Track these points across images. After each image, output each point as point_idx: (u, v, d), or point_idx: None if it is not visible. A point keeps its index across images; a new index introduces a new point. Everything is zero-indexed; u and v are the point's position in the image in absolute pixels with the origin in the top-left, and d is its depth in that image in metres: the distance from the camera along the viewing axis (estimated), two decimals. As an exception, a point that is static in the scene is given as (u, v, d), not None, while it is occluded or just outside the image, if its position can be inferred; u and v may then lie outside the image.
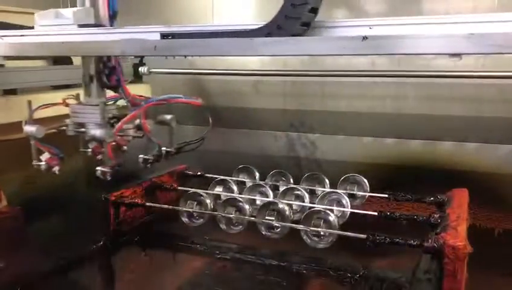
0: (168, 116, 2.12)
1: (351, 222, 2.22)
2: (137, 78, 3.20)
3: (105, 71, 2.00)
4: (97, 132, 1.93)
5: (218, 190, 2.37)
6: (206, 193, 2.20)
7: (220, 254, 2.25)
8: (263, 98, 3.15)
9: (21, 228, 2.38)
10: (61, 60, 2.96)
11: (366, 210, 2.29)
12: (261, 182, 2.38)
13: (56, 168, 2.03)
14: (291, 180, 2.43)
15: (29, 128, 1.96)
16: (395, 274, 1.98)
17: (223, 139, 3.28)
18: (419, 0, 2.65)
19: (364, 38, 1.22)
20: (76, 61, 3.00)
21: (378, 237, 1.85)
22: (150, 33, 1.63)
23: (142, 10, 3.34)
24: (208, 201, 2.16)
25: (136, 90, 3.12)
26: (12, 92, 2.73)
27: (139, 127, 2.02)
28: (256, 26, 1.42)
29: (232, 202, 2.09)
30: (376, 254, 2.11)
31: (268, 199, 2.18)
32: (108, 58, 1.99)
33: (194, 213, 2.16)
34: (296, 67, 2.91)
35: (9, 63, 2.73)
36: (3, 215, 2.36)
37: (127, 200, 2.38)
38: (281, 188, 2.30)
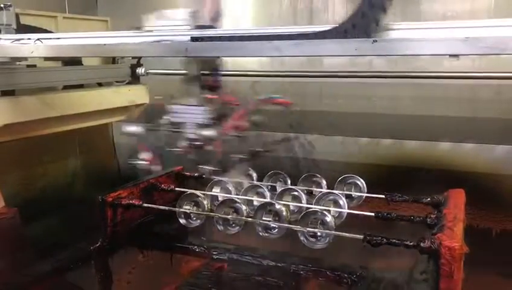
0: (260, 118, 2.15)
1: (348, 222, 2.23)
2: (135, 79, 3.19)
3: (209, 71, 2.03)
4: (206, 132, 1.96)
5: (216, 190, 2.37)
6: (204, 194, 2.20)
7: (217, 255, 2.26)
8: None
9: (18, 228, 2.38)
10: (72, 62, 2.98)
11: (363, 211, 2.30)
12: (258, 183, 2.38)
13: (158, 168, 2.10)
14: (289, 181, 2.44)
15: (131, 128, 2.02)
16: (392, 275, 1.98)
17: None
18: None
19: (374, 41, 1.38)
20: (86, 62, 3.03)
21: (374, 238, 1.86)
22: (181, 36, 1.73)
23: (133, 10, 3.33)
24: (205, 202, 2.16)
25: (133, 91, 3.15)
26: (10, 92, 2.73)
27: (237, 128, 2.04)
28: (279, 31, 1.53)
29: (229, 203, 2.09)
30: (373, 254, 2.12)
31: (265, 200, 2.18)
32: (212, 58, 2.01)
33: (191, 214, 2.16)
34: (293, 68, 2.92)
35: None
36: (0, 216, 2.36)
37: (124, 201, 2.38)
38: (278, 189, 2.30)
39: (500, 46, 1.22)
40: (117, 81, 3.17)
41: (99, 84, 3.11)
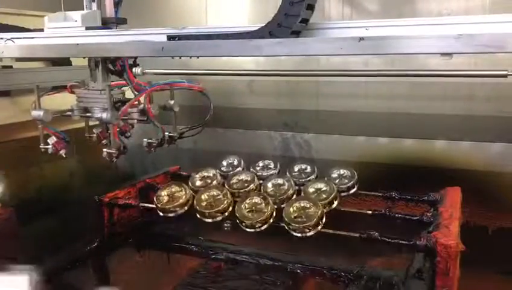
0: (172, 102, 2.18)
1: (345, 221, 2.23)
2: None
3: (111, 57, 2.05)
4: (103, 115, 1.97)
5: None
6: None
7: (214, 254, 2.26)
8: (257, 98, 3.16)
9: (14, 228, 2.38)
10: (60, 62, 2.96)
11: (360, 209, 2.30)
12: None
13: (63, 152, 2.09)
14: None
15: (36, 113, 2.00)
16: (389, 273, 1.98)
17: (217, 139, 3.28)
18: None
19: (361, 39, 1.27)
20: (76, 62, 3.01)
21: (370, 236, 1.86)
22: (157, 35, 1.69)
23: (135, 12, 3.33)
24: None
25: (130, 90, 3.13)
26: (5, 93, 2.72)
27: (143, 112, 2.06)
28: (256, 28, 1.47)
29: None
30: (370, 253, 2.12)
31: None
32: None
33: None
34: (290, 67, 2.92)
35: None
36: (-4, 216, 2.36)
37: (121, 201, 2.38)
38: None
39: (495, 43, 1.14)
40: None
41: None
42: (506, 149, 2.57)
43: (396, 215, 2.14)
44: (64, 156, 2.11)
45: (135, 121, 2.09)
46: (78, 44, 1.82)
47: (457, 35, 1.17)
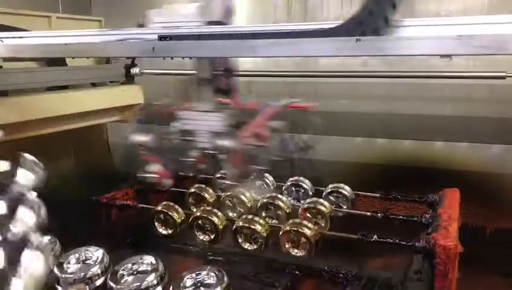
0: (279, 123, 1.90)
1: (344, 222, 2.23)
2: (129, 79, 3.18)
3: (221, 74, 1.81)
4: (223, 141, 1.71)
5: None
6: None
7: (212, 255, 2.25)
8: (256, 98, 3.14)
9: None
10: (55, 62, 2.94)
11: (359, 210, 2.30)
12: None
13: (167, 182, 1.82)
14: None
15: (139, 138, 1.79)
16: (388, 274, 1.98)
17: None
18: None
19: (358, 40, 1.24)
20: (70, 63, 3.00)
21: (369, 238, 1.86)
22: (148, 35, 1.62)
23: (128, 10, 3.32)
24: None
25: (128, 91, 3.13)
26: (3, 93, 2.70)
27: (257, 136, 1.79)
28: (259, 28, 1.42)
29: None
30: (368, 254, 2.12)
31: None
32: (224, 59, 1.80)
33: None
34: (288, 68, 2.91)
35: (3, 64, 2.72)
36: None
37: (119, 202, 2.37)
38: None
39: (496, 45, 1.11)
40: (111, 81, 3.15)
41: (93, 85, 3.09)
42: (504, 150, 2.57)
43: (395, 216, 2.14)
44: (166, 189, 1.88)
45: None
46: (66, 44, 1.74)
47: (457, 36, 1.15)
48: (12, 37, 1.90)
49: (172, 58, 1.75)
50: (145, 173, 1.79)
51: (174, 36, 1.57)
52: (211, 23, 1.64)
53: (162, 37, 1.58)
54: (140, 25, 1.79)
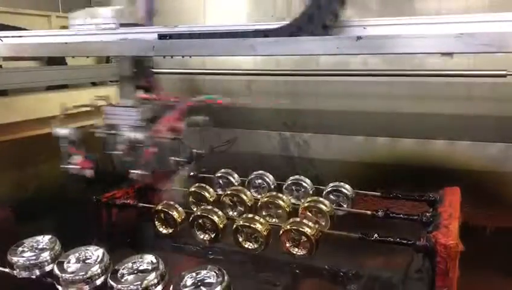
0: (200, 118, 2.09)
1: (345, 221, 2.23)
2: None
3: (140, 72, 1.99)
4: (136, 135, 1.90)
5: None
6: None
7: (212, 254, 2.25)
8: (256, 97, 3.14)
9: (11, 229, 2.36)
10: (55, 61, 2.95)
11: (359, 209, 2.30)
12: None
13: (89, 172, 2.00)
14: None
15: (61, 131, 1.94)
16: (388, 273, 1.98)
17: (216, 139, 3.26)
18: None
19: (359, 38, 1.25)
20: (70, 62, 3.00)
21: (370, 236, 1.86)
22: (148, 34, 1.64)
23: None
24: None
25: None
26: (3, 93, 2.71)
27: (172, 129, 1.98)
28: (255, 27, 1.44)
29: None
30: (369, 253, 2.12)
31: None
32: (143, 58, 1.97)
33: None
34: (289, 67, 2.91)
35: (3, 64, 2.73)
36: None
37: (119, 201, 2.37)
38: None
39: (496, 43, 1.12)
40: (111, 81, 3.15)
41: (93, 84, 3.09)
42: (505, 149, 2.56)
43: (396, 215, 2.14)
44: (89, 177, 2.00)
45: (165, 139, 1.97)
46: (67, 43, 1.77)
47: (458, 35, 1.15)
48: (12, 36, 1.91)
49: (172, 56, 1.78)
50: (68, 165, 1.96)
51: (174, 35, 1.59)
52: (125, 25, 1.78)
53: (161, 36, 1.60)
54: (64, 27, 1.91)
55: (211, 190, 2.47)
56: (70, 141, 1.94)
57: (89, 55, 1.91)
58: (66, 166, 1.98)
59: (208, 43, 1.48)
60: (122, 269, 1.59)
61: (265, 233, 1.97)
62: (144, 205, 2.38)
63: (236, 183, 2.59)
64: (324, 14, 1.32)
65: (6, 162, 2.49)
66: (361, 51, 1.28)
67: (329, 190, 2.39)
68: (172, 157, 2.03)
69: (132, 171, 1.96)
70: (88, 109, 2.10)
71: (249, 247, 2.01)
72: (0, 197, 2.43)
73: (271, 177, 2.58)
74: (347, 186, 2.38)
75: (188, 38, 1.54)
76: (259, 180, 2.58)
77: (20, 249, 1.76)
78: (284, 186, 2.52)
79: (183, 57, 1.78)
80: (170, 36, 1.59)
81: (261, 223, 1.99)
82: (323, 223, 2.15)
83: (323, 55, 2.70)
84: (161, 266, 1.59)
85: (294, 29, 1.37)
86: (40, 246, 1.77)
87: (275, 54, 1.43)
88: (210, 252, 2.25)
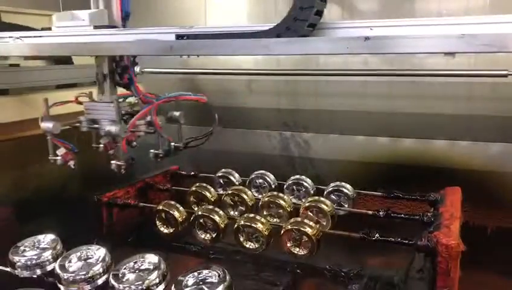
0: (177, 113, 2.23)
1: (346, 221, 2.23)
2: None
3: (118, 70, 2.10)
4: (112, 128, 2.03)
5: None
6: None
7: (213, 254, 2.25)
8: (257, 97, 3.14)
9: (12, 229, 2.36)
10: (62, 60, 2.97)
11: (360, 209, 2.30)
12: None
13: (72, 163, 2.15)
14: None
15: (45, 125, 2.06)
16: (389, 273, 1.98)
17: (216, 139, 3.26)
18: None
19: (367, 38, 1.31)
20: (77, 61, 3.01)
21: (371, 236, 1.86)
22: (165, 34, 1.71)
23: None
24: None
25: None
26: (4, 92, 2.71)
27: (150, 124, 2.11)
28: (265, 28, 1.48)
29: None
30: (370, 252, 2.12)
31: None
32: (121, 57, 2.09)
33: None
34: (289, 67, 2.91)
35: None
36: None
37: (120, 201, 2.37)
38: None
39: (498, 43, 1.17)
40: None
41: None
42: (506, 149, 2.57)
43: (397, 215, 2.14)
44: (73, 167, 2.15)
45: (142, 132, 2.14)
46: (86, 43, 1.85)
47: (460, 35, 1.20)
48: (32, 36, 1.99)
49: (188, 56, 1.87)
50: (55, 156, 2.12)
51: (191, 35, 1.66)
52: (99, 27, 1.92)
53: (179, 36, 1.67)
54: (45, 28, 2.08)
55: (212, 189, 2.48)
56: (54, 134, 2.09)
57: (108, 54, 2.00)
58: (53, 157, 2.14)
59: (224, 43, 1.55)
60: (124, 269, 1.60)
61: (266, 233, 1.98)
62: (145, 204, 2.38)
63: (237, 183, 2.60)
64: (308, 14, 1.40)
65: (12, 161, 2.50)
66: (370, 51, 1.34)
67: (330, 189, 2.39)
68: (152, 151, 2.17)
69: (112, 162, 2.08)
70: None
71: (250, 247, 2.02)
72: (1, 196, 2.43)
73: (272, 177, 2.59)
74: (348, 186, 2.38)
75: (204, 38, 1.61)
76: (260, 180, 2.58)
77: (22, 248, 1.77)
78: (284, 186, 2.52)
79: (198, 56, 1.83)
80: (187, 36, 1.66)
81: (262, 223, 1.99)
82: (324, 223, 2.15)
83: (324, 55, 2.70)
84: (162, 266, 1.59)
85: (282, 30, 1.45)
86: (41, 246, 1.77)
87: (289, 53, 1.53)
88: (211, 252, 2.25)
